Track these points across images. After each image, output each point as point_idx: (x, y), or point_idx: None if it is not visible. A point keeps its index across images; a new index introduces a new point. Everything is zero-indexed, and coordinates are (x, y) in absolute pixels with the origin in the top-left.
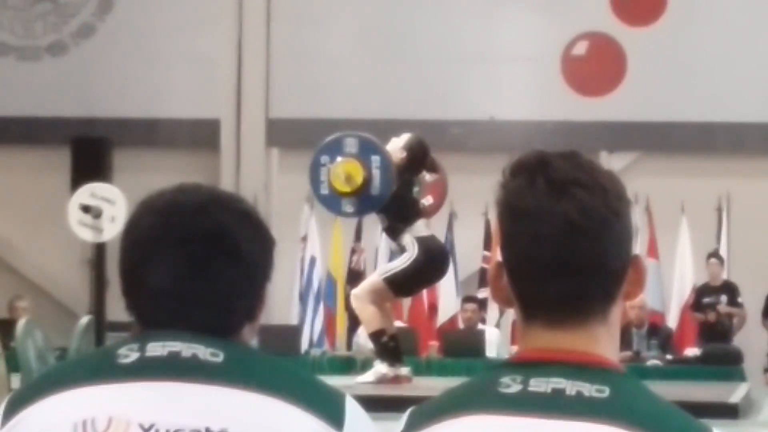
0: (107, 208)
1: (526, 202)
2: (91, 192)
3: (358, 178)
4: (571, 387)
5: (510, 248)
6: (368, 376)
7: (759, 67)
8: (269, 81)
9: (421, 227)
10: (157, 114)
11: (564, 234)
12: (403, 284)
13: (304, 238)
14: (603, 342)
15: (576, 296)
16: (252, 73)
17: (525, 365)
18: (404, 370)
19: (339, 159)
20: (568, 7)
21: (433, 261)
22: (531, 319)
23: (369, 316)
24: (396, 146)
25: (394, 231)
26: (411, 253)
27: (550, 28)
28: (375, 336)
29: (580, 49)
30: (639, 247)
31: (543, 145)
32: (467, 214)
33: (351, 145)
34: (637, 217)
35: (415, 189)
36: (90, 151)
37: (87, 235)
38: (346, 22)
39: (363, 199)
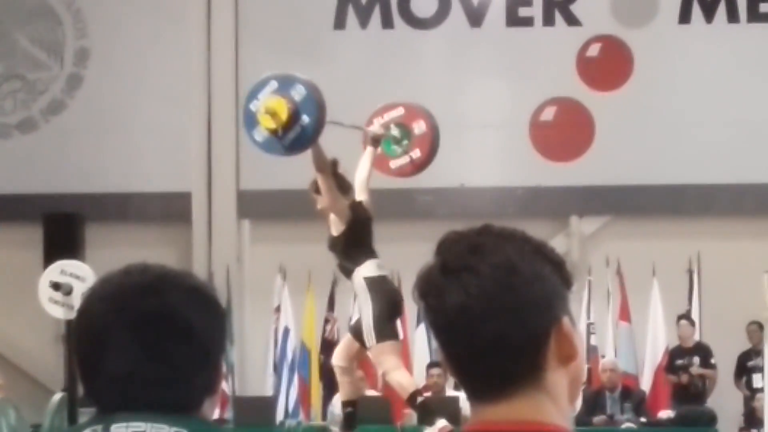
0: (77, 285)
1: (425, 293)
2: (60, 269)
3: (283, 113)
4: None
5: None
6: None
7: (726, 129)
8: (239, 153)
9: (372, 268)
10: (128, 188)
11: (456, 320)
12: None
13: (278, 309)
14: (546, 409)
15: (495, 374)
16: (222, 146)
17: None
18: None
19: (260, 98)
20: (535, 73)
21: (387, 306)
22: (470, 395)
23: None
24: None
25: (345, 270)
26: (366, 306)
27: (517, 95)
28: (344, 405)
29: (548, 114)
30: (611, 310)
31: (514, 211)
32: None
33: (271, 85)
34: (608, 280)
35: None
36: (62, 227)
37: (58, 313)
38: None
39: (298, 131)
